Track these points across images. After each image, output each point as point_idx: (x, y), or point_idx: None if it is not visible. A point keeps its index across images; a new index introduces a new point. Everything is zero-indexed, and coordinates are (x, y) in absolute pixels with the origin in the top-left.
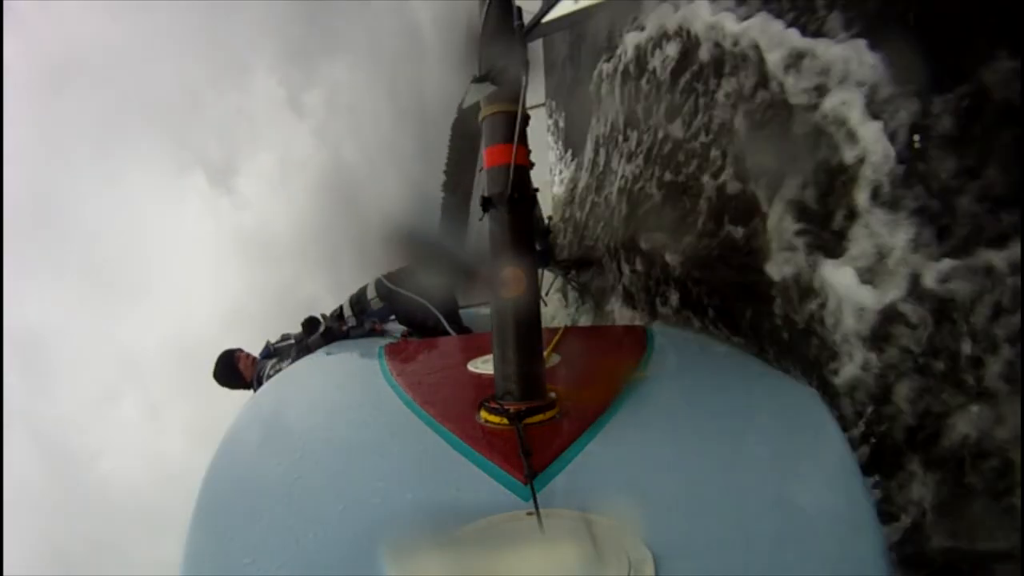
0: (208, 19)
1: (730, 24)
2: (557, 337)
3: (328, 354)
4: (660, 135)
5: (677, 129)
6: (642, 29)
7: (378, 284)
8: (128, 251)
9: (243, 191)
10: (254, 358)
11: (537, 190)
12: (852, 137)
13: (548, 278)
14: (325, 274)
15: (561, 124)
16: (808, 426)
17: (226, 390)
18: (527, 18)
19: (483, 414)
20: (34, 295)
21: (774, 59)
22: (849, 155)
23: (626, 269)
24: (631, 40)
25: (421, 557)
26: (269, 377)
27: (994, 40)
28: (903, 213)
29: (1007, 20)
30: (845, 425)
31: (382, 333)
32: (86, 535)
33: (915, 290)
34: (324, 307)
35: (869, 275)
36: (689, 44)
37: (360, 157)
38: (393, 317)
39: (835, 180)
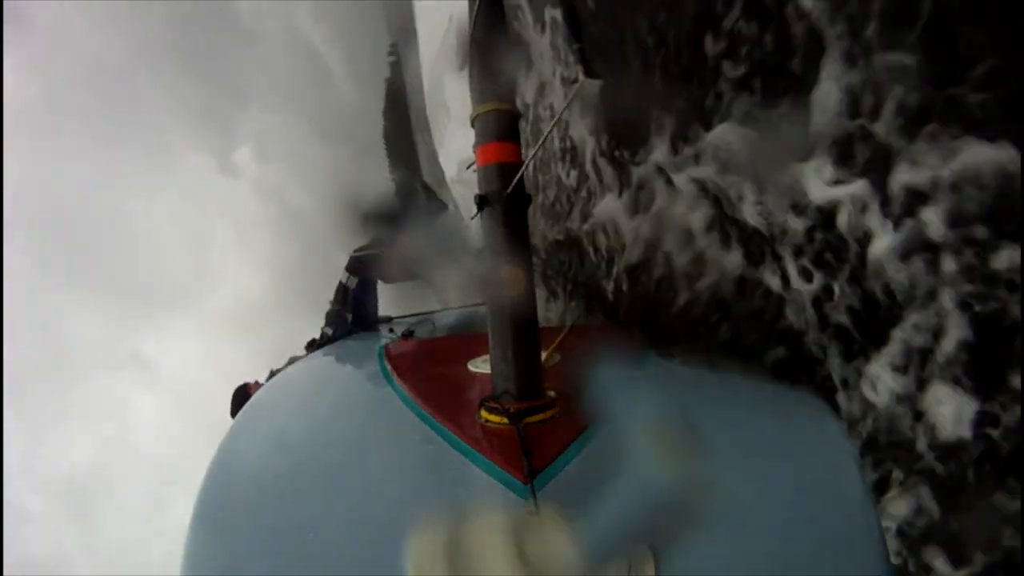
0: (123, 112)
1: None
2: (561, 336)
3: (327, 354)
4: None
5: None
6: None
7: (347, 265)
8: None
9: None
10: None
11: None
12: None
13: None
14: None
15: None
16: (815, 432)
17: None
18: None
19: (483, 413)
20: None
21: None
22: None
23: None
24: None
25: (421, 556)
26: None
27: None
28: None
29: None
30: None
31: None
32: None
33: None
34: None
35: None
36: None
37: (306, 195)
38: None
39: None
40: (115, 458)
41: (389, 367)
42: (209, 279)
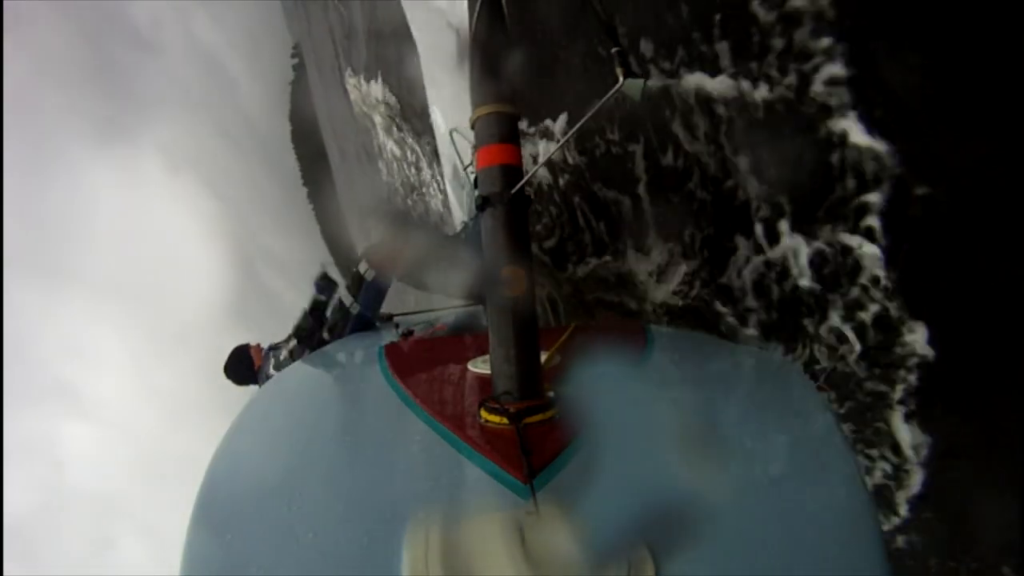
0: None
1: None
2: (564, 336)
3: (327, 354)
4: None
5: None
6: None
7: (364, 253)
8: None
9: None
10: (263, 349)
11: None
12: None
13: None
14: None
15: None
16: (812, 427)
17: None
18: None
19: (483, 414)
20: None
21: None
22: None
23: None
24: None
25: (421, 556)
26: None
27: None
28: None
29: None
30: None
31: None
32: None
33: None
34: None
35: None
36: None
37: (219, 202)
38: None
39: None
40: (52, 499)
41: (389, 367)
42: (127, 297)
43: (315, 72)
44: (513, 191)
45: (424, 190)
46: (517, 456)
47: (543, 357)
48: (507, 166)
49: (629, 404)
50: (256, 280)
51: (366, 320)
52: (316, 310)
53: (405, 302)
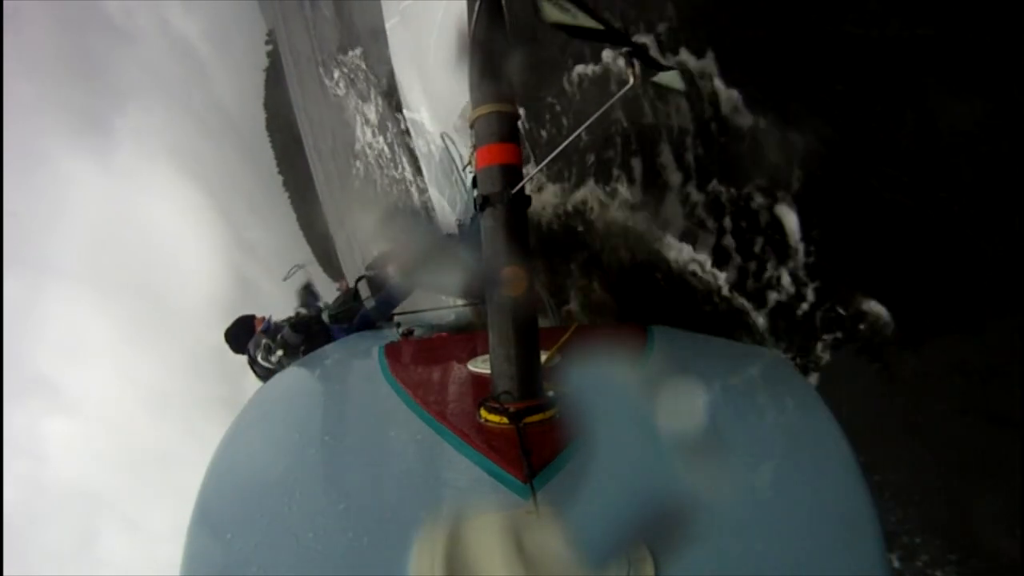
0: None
1: None
2: (566, 337)
3: (327, 354)
4: None
5: None
6: None
7: (381, 260)
8: None
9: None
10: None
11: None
12: None
13: None
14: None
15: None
16: (811, 427)
17: None
18: None
19: (483, 413)
20: None
21: None
22: None
23: None
24: None
25: (420, 556)
26: (258, 348)
27: None
28: None
29: None
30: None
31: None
32: None
33: None
34: None
35: None
36: None
37: (196, 192)
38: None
39: None
40: (35, 494)
41: (389, 366)
42: (106, 287)
43: (290, 59)
44: (513, 191)
45: (406, 187)
46: (517, 456)
47: (543, 357)
48: (507, 166)
49: (629, 404)
50: (235, 268)
51: (369, 320)
52: (301, 322)
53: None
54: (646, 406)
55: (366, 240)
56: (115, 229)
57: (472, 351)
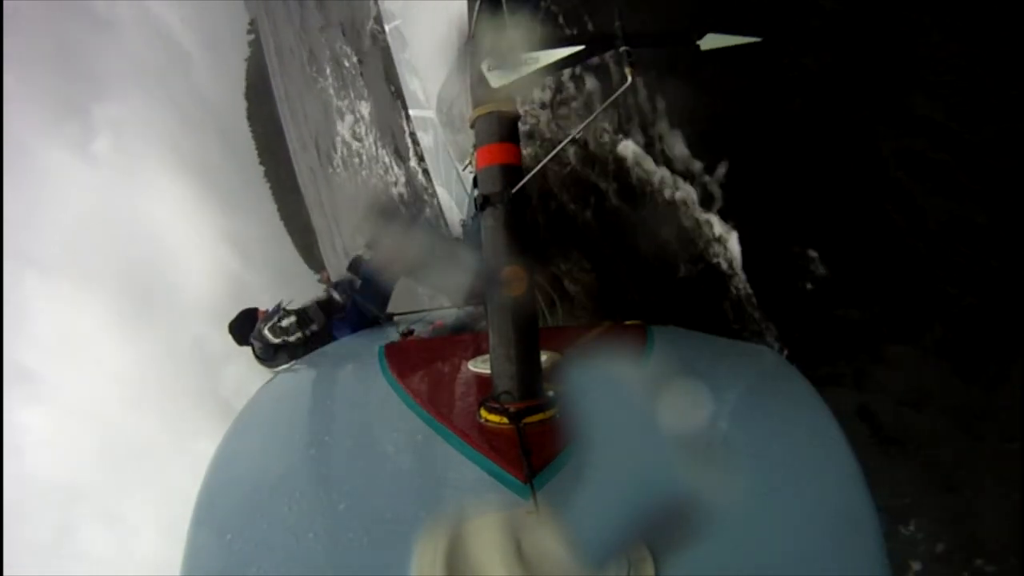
0: None
1: None
2: (565, 337)
3: (327, 354)
4: None
5: None
6: None
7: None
8: None
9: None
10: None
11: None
12: None
13: None
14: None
15: None
16: (812, 426)
17: None
18: None
19: (483, 413)
20: None
21: None
22: None
23: None
24: None
25: (421, 556)
26: (258, 336)
27: None
28: None
29: None
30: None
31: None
32: None
33: None
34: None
35: None
36: None
37: (175, 182)
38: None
39: None
40: (12, 487)
41: (389, 366)
42: (86, 276)
43: (272, 49)
44: (514, 191)
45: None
46: (517, 456)
47: (543, 357)
48: (507, 166)
49: (629, 404)
50: (216, 259)
51: (369, 317)
52: (324, 304)
53: (408, 301)
54: (646, 406)
55: (350, 232)
56: (94, 219)
57: (472, 351)
